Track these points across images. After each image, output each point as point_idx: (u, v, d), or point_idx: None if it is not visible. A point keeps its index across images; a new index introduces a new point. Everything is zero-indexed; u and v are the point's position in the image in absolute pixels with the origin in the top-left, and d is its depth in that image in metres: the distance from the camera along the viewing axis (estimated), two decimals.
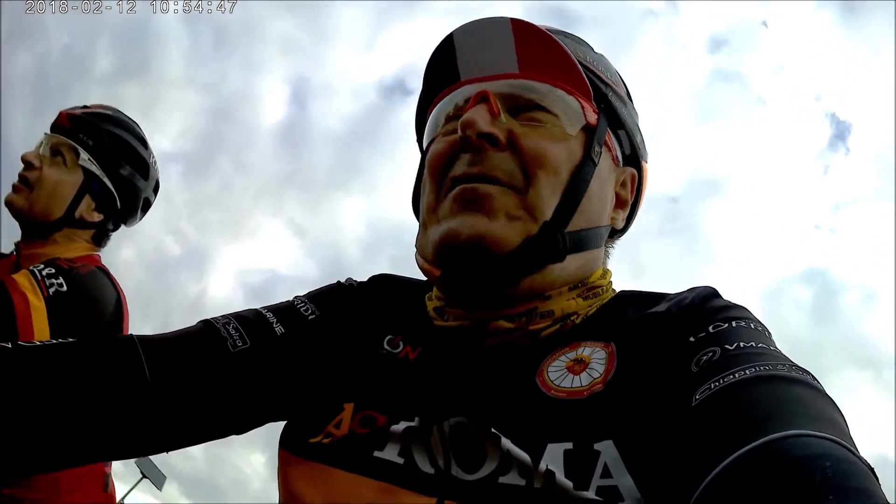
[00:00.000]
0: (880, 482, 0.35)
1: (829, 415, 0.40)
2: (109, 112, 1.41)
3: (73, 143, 1.33)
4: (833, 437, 0.36)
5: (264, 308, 0.66)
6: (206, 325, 0.62)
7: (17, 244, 1.36)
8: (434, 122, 0.66)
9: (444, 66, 0.65)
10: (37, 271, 1.17)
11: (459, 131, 0.58)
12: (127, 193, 1.40)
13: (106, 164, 1.35)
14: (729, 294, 0.59)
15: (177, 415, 0.57)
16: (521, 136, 0.59)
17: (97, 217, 1.37)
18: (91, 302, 1.22)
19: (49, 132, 1.37)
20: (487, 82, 0.62)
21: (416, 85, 0.70)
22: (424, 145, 0.68)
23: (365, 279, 0.74)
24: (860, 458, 0.36)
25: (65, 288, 1.17)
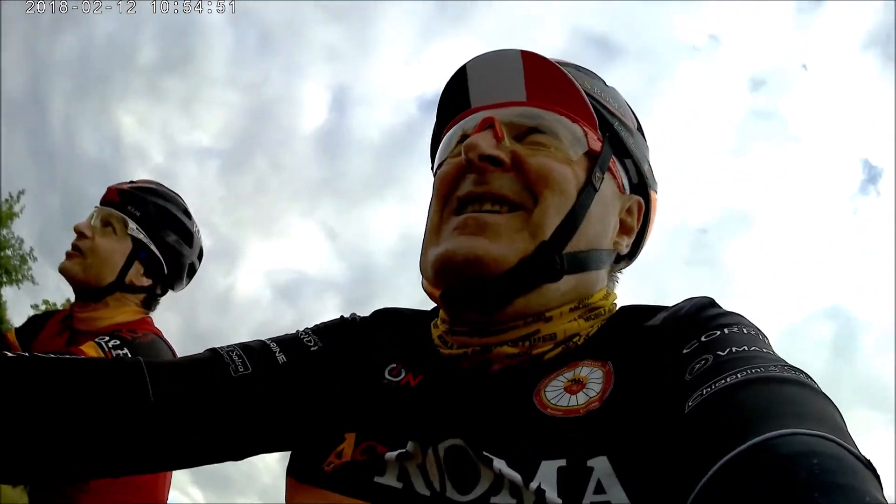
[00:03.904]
0: (880, 478, 0.35)
1: (822, 412, 0.40)
2: (154, 186, 1.54)
3: (121, 214, 1.44)
4: (824, 434, 0.36)
5: (269, 339, 0.68)
6: (212, 352, 0.64)
7: (72, 306, 1.46)
8: (443, 147, 0.68)
9: (456, 95, 0.68)
10: (103, 343, 1.25)
11: (462, 154, 0.60)
12: (173, 259, 1.51)
13: (153, 232, 1.47)
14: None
15: (177, 434, 0.58)
16: (525, 157, 0.60)
17: (146, 282, 1.47)
18: None
19: (99, 206, 1.48)
20: (495, 109, 0.64)
21: None
22: (434, 170, 0.69)
23: (368, 314, 0.75)
24: (855, 454, 0.35)
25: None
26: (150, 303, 1.51)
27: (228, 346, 0.65)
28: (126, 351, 1.26)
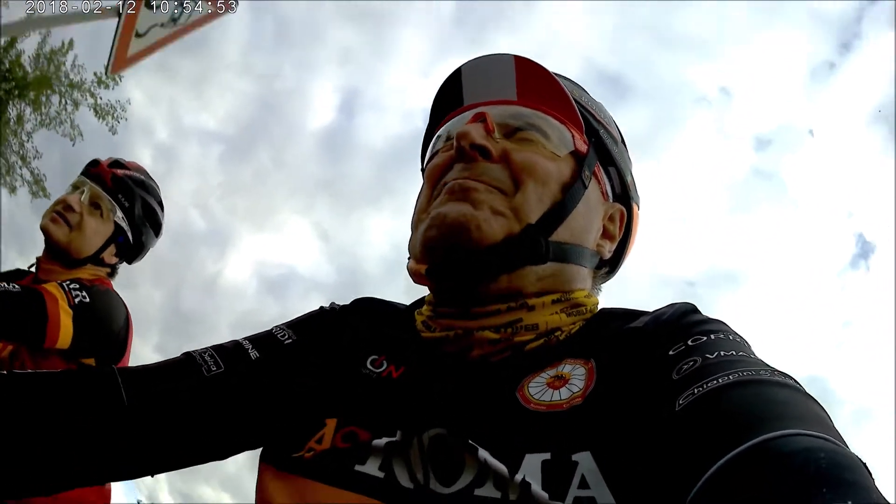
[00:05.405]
0: (874, 478, 0.35)
1: (817, 414, 0.40)
2: (143, 178, 1.70)
3: (112, 200, 1.62)
4: (826, 436, 0.36)
5: (243, 338, 0.69)
6: (186, 355, 0.65)
7: (38, 259, 1.60)
8: (435, 142, 0.71)
9: (450, 95, 0.71)
10: (64, 285, 1.39)
11: (454, 143, 0.63)
12: (141, 246, 1.73)
13: (133, 224, 1.67)
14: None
15: (155, 437, 0.58)
16: (512, 151, 0.63)
17: (115, 260, 1.68)
18: (107, 314, 1.47)
19: (86, 178, 1.62)
20: (486, 107, 0.67)
21: None
22: (425, 163, 0.72)
23: (348, 302, 0.76)
24: (854, 455, 0.36)
25: (87, 300, 1.40)
26: (112, 275, 1.70)
27: (202, 349, 0.66)
28: (84, 294, 1.39)
